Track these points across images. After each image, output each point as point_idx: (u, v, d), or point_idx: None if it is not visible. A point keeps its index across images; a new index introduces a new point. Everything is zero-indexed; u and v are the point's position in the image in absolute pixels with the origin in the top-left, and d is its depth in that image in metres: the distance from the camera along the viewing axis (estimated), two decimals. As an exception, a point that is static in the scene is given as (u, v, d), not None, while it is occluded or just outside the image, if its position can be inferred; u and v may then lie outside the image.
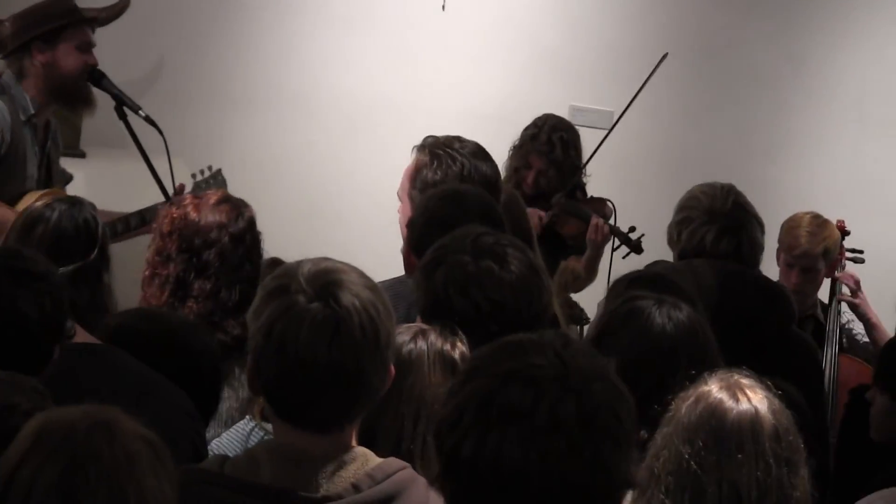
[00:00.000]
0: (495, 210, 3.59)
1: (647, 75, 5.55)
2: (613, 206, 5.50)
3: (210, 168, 5.02)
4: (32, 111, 4.72)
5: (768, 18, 6.43)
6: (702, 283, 3.77)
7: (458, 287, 2.93)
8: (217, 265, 3.52)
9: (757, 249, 4.09)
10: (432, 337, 2.73)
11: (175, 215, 3.56)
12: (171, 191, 4.61)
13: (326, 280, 2.31)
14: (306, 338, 2.25)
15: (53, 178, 4.92)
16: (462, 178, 3.84)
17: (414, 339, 2.71)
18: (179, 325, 3.23)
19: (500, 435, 1.88)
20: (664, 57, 5.52)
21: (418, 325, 2.82)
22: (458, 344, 2.75)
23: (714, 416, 2.50)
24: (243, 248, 3.57)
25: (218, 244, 3.53)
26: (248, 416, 3.14)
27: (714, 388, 2.55)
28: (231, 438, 3.05)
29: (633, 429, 1.96)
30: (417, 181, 3.88)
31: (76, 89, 4.78)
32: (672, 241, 4.13)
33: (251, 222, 3.62)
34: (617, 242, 5.41)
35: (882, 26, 6.40)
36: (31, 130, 4.75)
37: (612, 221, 5.46)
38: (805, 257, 4.91)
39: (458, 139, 3.98)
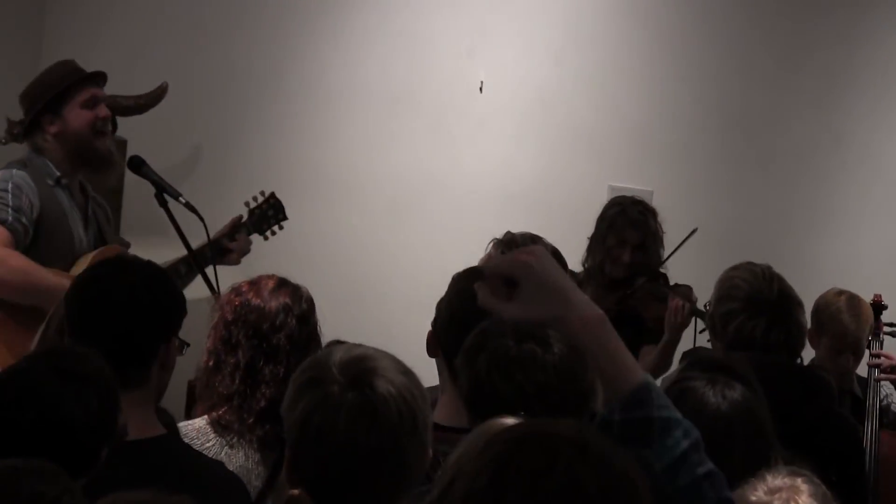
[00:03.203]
0: None
1: (676, 246, 5.44)
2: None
3: (263, 193, 5.09)
4: (58, 174, 4.73)
5: (808, 92, 6.42)
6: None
7: (502, 372, 2.90)
8: (287, 349, 3.51)
9: (803, 334, 4.08)
10: None
11: (237, 303, 3.55)
12: (212, 277, 4.59)
13: (360, 368, 2.30)
14: (344, 427, 2.24)
15: (107, 240, 4.91)
16: None
17: None
18: None
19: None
20: (693, 231, 5.45)
21: None
22: None
23: None
24: (308, 329, 3.57)
25: (286, 327, 3.52)
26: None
27: None
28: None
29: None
30: None
31: (90, 147, 4.80)
32: (715, 333, 4.10)
33: (311, 302, 3.62)
34: (701, 325, 5.11)
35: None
36: (65, 191, 4.76)
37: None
38: (856, 343, 4.95)
39: (535, 236, 3.96)
